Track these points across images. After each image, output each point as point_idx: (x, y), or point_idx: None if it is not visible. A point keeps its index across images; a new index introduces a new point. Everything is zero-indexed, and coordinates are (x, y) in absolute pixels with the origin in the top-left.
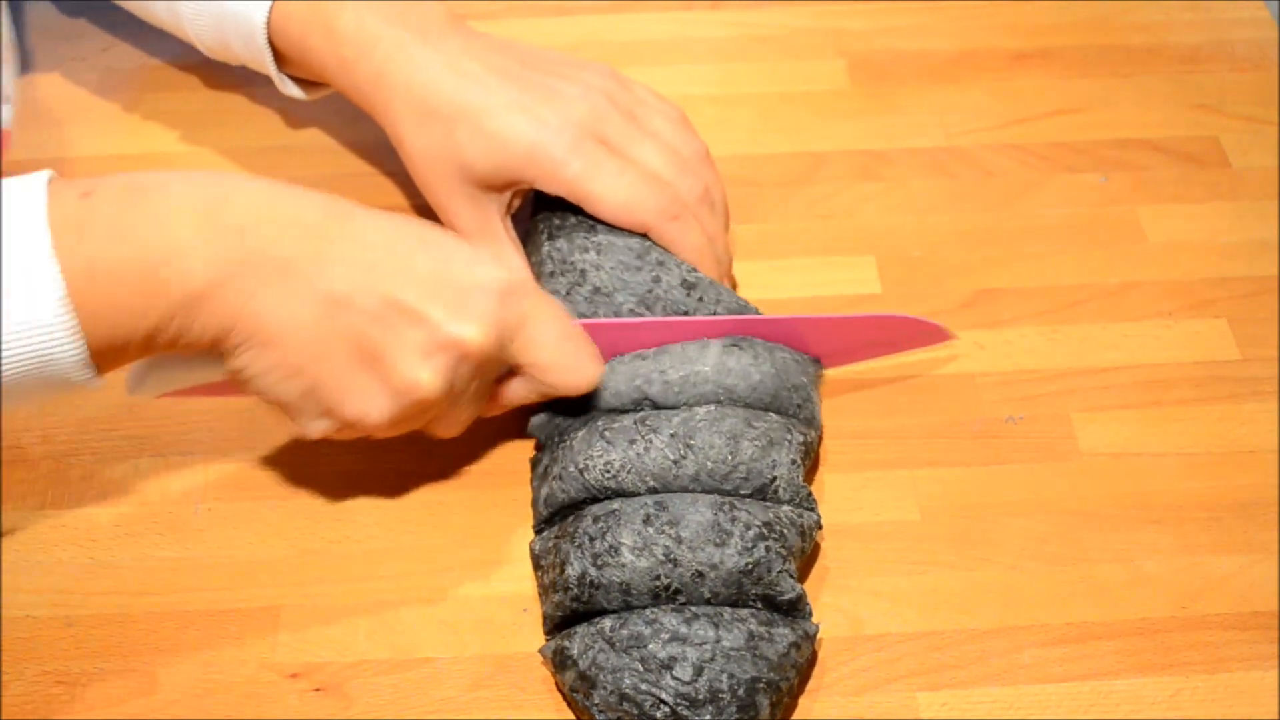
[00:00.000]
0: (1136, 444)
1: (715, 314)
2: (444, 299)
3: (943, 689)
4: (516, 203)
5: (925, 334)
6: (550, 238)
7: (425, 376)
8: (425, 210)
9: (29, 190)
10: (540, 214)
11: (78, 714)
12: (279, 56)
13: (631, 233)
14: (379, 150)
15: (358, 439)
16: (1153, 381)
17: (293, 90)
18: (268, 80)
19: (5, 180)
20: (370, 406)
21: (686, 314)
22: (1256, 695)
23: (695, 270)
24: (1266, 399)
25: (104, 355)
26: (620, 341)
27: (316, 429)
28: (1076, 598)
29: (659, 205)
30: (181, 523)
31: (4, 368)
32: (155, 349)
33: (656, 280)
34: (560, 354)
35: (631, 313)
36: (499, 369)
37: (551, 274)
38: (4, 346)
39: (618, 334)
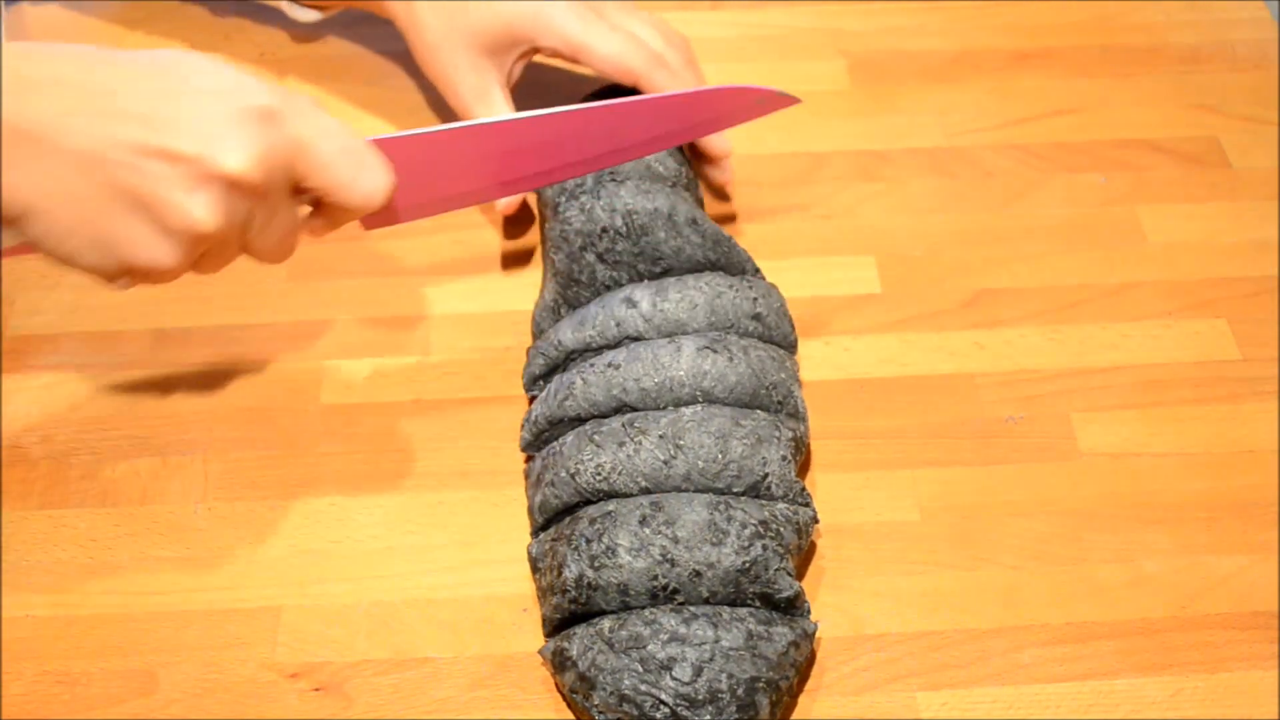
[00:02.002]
0: (1136, 444)
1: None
2: (200, 132)
3: (943, 689)
4: (517, 71)
5: (766, 101)
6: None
7: (198, 213)
8: None
9: None
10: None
11: (78, 714)
12: None
13: None
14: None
15: None
16: (1153, 381)
17: (301, 14)
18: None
19: None
20: (156, 252)
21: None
22: (1256, 695)
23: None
24: (1266, 399)
25: None
26: (418, 156)
27: (122, 283)
28: (1076, 598)
29: (647, 56)
30: (181, 523)
31: None
32: None
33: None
34: (341, 171)
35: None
36: (286, 193)
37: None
38: None
39: (413, 149)
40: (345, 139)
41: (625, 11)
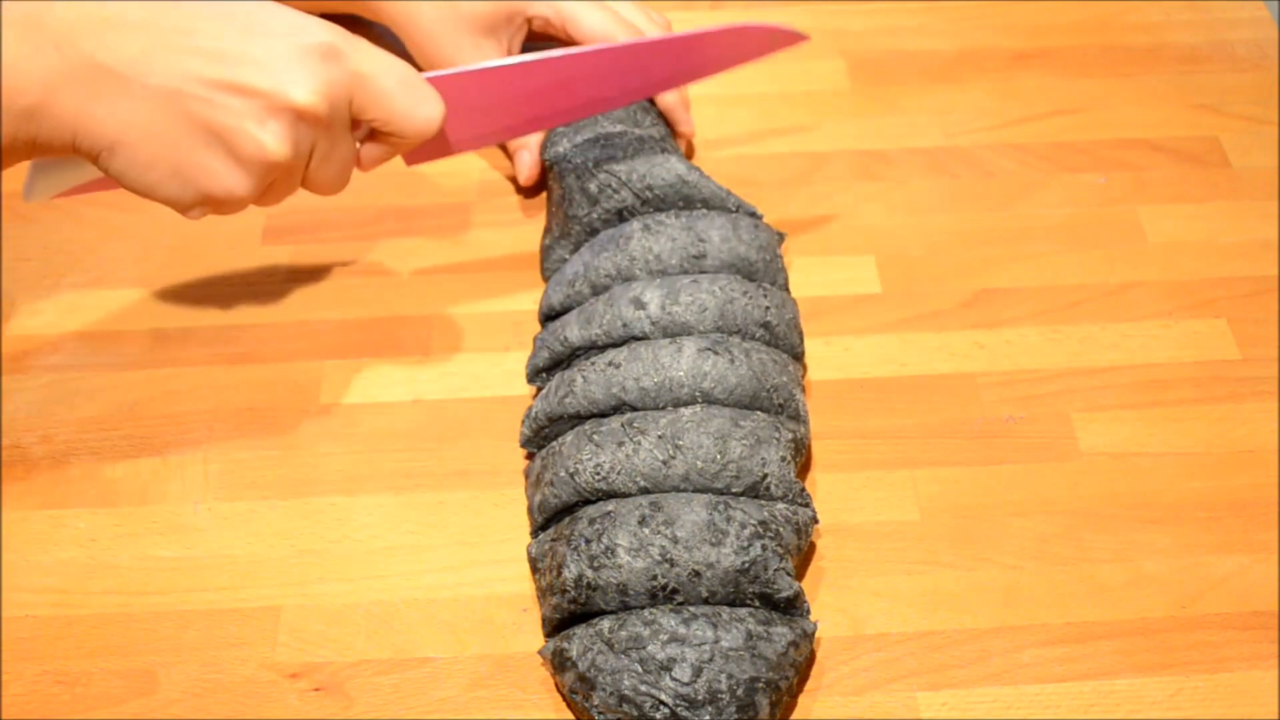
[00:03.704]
0: (1136, 444)
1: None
2: (270, 68)
3: (943, 689)
4: (516, 45)
5: (776, 39)
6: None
7: (269, 142)
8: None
9: None
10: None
11: (78, 714)
12: None
13: None
14: None
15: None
16: (1153, 381)
17: None
18: None
19: None
20: (231, 181)
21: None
22: (1256, 695)
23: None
24: (1266, 399)
25: None
26: (461, 92)
27: (196, 213)
28: (1076, 598)
29: (631, 33)
30: (181, 523)
31: None
32: (19, 157)
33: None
34: (398, 102)
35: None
36: (346, 125)
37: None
38: None
39: (456, 85)
40: (402, 72)
41: None
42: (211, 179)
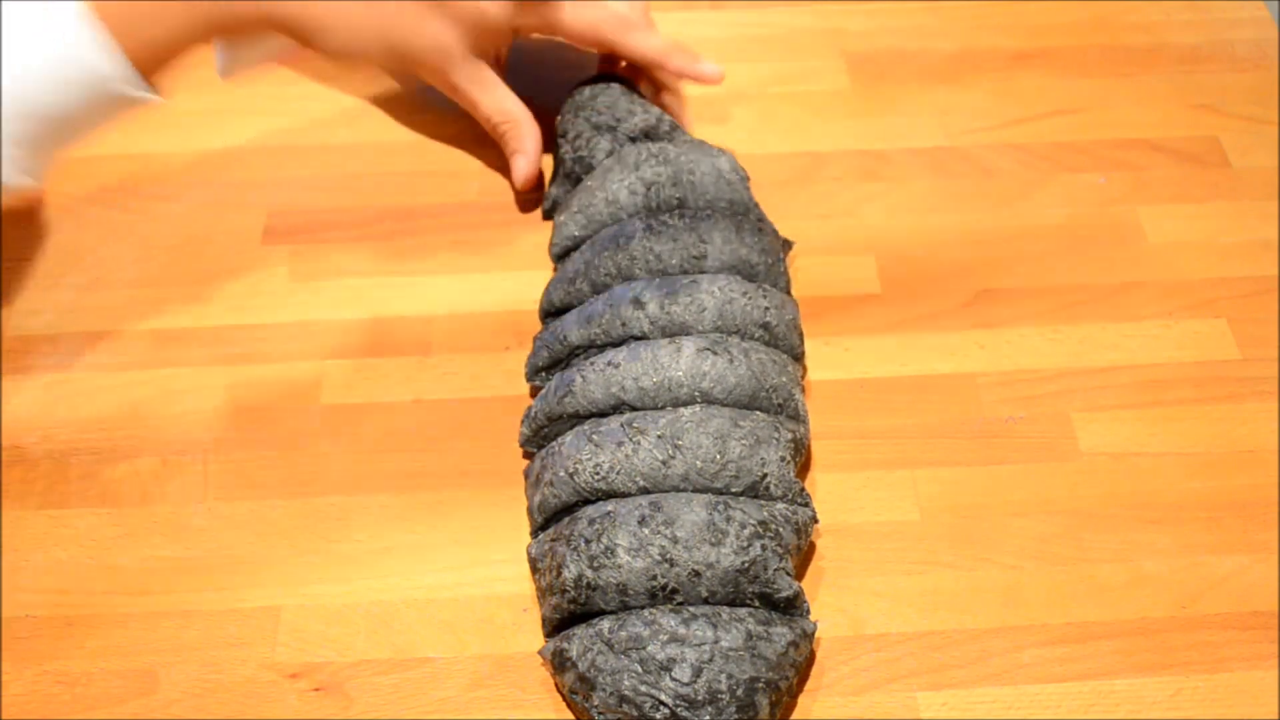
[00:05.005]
0: (1136, 444)
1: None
2: None
3: (943, 689)
4: (504, 52)
5: None
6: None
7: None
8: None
9: None
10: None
11: (78, 714)
12: None
13: None
14: (401, 150)
15: None
16: (1153, 381)
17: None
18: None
19: None
20: (442, 37)
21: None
22: (1256, 695)
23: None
24: (1266, 399)
25: (149, 63)
26: None
27: (388, 63)
28: (1076, 598)
29: (617, 23)
30: (181, 523)
31: (53, 98)
32: (205, 39)
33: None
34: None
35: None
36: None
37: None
38: (46, 78)
39: None
40: None
41: None
42: (420, 35)
